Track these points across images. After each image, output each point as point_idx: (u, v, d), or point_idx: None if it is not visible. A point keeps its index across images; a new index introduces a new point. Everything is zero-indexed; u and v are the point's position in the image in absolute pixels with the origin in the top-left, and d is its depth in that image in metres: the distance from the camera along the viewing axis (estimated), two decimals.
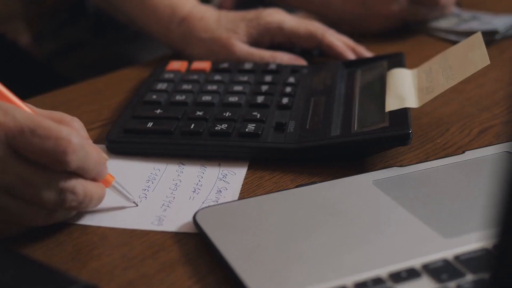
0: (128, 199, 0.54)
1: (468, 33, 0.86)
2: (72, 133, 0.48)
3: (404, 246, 0.47)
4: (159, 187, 0.57)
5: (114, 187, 0.53)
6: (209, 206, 0.52)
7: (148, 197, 0.56)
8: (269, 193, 0.55)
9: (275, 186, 0.57)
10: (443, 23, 0.91)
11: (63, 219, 0.51)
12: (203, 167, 0.59)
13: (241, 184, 0.57)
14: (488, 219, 0.46)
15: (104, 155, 0.52)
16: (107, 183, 0.53)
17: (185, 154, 0.61)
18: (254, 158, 0.60)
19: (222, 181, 0.58)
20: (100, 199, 0.52)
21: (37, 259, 0.47)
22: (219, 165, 0.60)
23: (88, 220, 0.53)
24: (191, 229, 0.51)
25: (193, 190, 0.56)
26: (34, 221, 0.49)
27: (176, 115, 0.64)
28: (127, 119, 0.64)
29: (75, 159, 0.48)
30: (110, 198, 0.54)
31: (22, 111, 0.48)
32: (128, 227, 0.52)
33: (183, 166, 0.60)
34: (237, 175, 0.58)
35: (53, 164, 0.47)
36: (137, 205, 0.54)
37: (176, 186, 0.57)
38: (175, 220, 0.53)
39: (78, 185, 0.49)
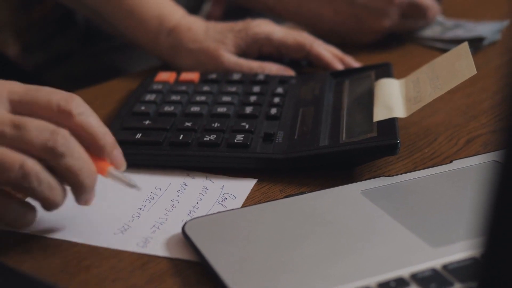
0: (129, 185, 0.51)
1: (454, 41, 0.87)
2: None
3: (392, 255, 0.47)
4: (155, 207, 0.56)
5: (112, 174, 0.51)
6: (198, 217, 0.52)
7: (142, 216, 0.54)
8: (258, 203, 0.55)
9: (264, 196, 0.57)
10: (428, 32, 0.91)
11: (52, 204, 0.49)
12: (205, 189, 0.58)
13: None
14: (476, 228, 0.46)
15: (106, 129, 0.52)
16: (103, 171, 0.51)
17: (174, 165, 0.61)
18: (242, 169, 0.60)
19: (220, 205, 0.56)
20: (93, 174, 0.49)
21: (25, 271, 0.47)
22: (222, 187, 0.58)
23: (73, 238, 0.52)
24: (177, 253, 0.50)
25: (188, 212, 0.55)
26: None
27: (165, 126, 0.64)
28: (115, 130, 0.64)
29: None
30: (96, 216, 0.53)
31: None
32: (112, 247, 0.51)
33: (185, 187, 0.58)
34: (237, 199, 0.57)
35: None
36: (140, 189, 0.52)
37: (172, 207, 0.56)
38: (161, 243, 0.51)
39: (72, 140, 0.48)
